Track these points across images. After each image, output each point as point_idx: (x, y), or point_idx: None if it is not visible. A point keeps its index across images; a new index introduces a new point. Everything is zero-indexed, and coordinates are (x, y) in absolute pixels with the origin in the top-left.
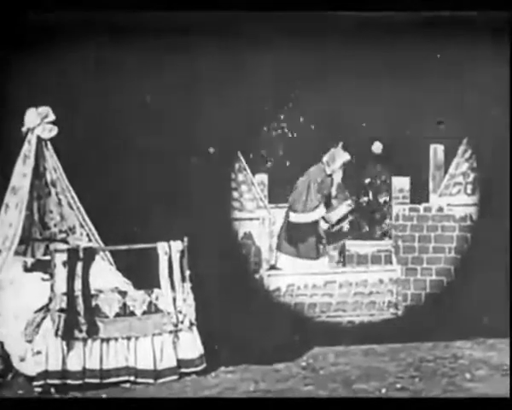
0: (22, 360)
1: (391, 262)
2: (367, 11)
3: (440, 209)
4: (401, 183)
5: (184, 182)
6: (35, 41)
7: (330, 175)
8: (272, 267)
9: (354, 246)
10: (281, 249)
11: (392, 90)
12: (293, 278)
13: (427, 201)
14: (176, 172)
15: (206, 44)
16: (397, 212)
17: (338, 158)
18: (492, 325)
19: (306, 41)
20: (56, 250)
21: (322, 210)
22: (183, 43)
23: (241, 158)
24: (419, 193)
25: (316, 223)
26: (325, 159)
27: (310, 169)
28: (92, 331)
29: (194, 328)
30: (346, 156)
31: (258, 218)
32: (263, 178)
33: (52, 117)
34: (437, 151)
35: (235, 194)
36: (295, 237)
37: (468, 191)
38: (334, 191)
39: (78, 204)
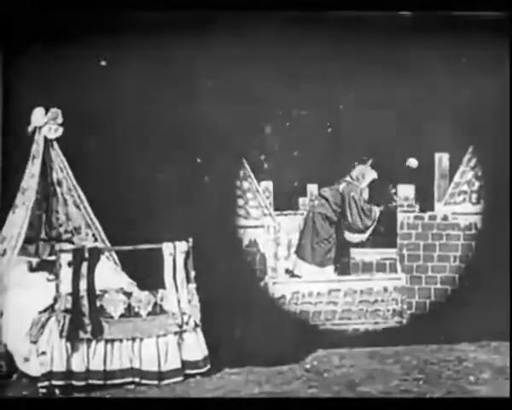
0: (27, 360)
1: (396, 270)
2: (367, 11)
3: (445, 218)
4: (406, 191)
5: (190, 188)
6: (40, 41)
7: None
8: (292, 274)
9: (359, 254)
10: (301, 256)
11: (392, 93)
12: (297, 285)
13: (431, 209)
14: (181, 179)
15: (211, 46)
16: (401, 220)
17: (367, 176)
18: (496, 332)
19: (309, 40)
20: (62, 250)
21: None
22: (187, 45)
23: (246, 165)
24: (424, 201)
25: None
26: (354, 174)
27: (348, 189)
28: (97, 332)
29: (199, 329)
30: (374, 175)
31: (263, 225)
32: (268, 185)
33: (61, 119)
34: (442, 160)
35: (241, 201)
36: (315, 244)
37: (473, 200)
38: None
39: (86, 204)
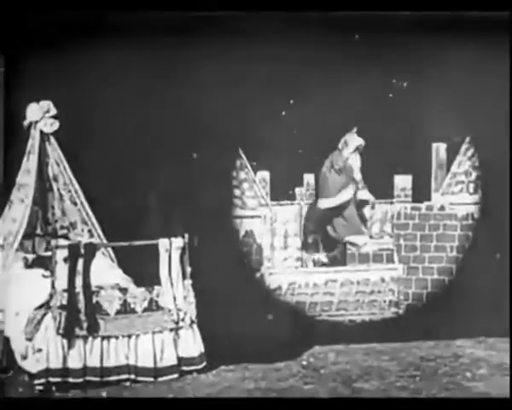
0: (24, 357)
1: (392, 261)
2: (367, 11)
3: (442, 208)
4: (403, 181)
5: (186, 180)
6: (37, 39)
7: (347, 159)
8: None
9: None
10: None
11: (392, 90)
12: (294, 276)
13: (429, 199)
14: (177, 170)
15: (207, 43)
16: (399, 210)
17: (350, 142)
18: (493, 323)
19: (307, 39)
20: (57, 246)
21: (349, 191)
22: (184, 42)
23: (243, 155)
24: (421, 192)
25: (330, 215)
26: (340, 144)
27: (331, 155)
28: (93, 329)
29: (195, 326)
30: (359, 140)
31: (259, 216)
32: (264, 175)
33: (54, 111)
34: (439, 150)
35: (237, 192)
36: (315, 229)
37: (470, 190)
38: (357, 175)
39: (82, 199)
